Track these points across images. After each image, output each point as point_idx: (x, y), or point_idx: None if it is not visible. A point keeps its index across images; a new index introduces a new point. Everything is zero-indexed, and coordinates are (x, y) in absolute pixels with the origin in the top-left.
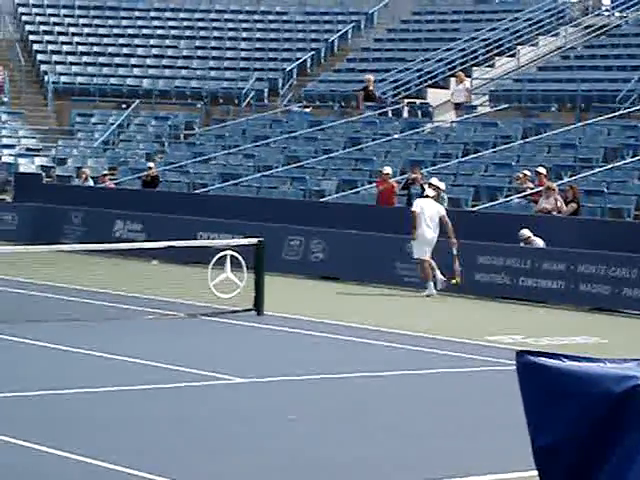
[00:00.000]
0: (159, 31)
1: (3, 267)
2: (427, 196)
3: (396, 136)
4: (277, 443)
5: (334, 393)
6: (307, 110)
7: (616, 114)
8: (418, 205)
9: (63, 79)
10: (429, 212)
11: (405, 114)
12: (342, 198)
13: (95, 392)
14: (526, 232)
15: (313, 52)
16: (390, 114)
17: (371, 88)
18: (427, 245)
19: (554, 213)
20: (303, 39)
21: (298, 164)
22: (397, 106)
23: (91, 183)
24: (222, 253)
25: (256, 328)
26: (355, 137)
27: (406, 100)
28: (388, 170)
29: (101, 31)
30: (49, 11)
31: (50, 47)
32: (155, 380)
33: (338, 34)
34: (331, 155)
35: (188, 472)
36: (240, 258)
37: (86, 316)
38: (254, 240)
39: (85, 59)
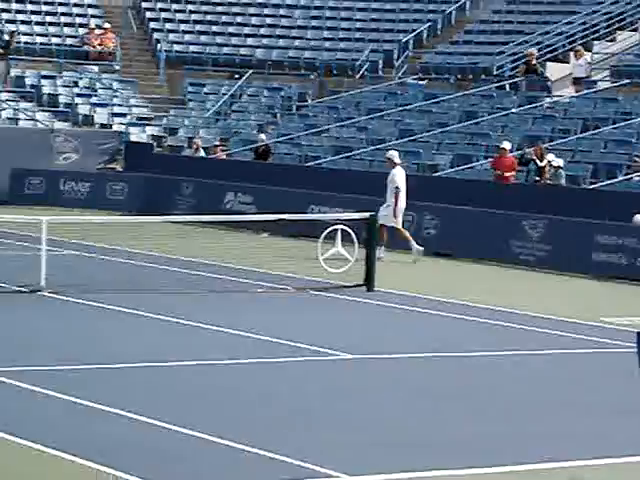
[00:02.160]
0: (273, 0)
1: (113, 237)
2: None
3: (514, 110)
4: (387, 420)
5: (446, 370)
6: (422, 82)
7: None
8: (400, 178)
9: (176, 48)
10: (404, 180)
11: (523, 88)
12: (456, 173)
13: (203, 364)
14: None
15: (430, 23)
16: (508, 88)
17: (533, 62)
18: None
19: None
20: (420, 10)
21: (412, 137)
22: (515, 80)
23: (203, 154)
24: (333, 227)
25: (366, 304)
26: (471, 111)
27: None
28: (507, 145)
29: None
30: None
31: (163, 15)
32: (264, 354)
33: (456, 5)
34: (446, 129)
35: (293, 447)
36: (351, 232)
37: (195, 288)
38: (366, 214)
39: (198, 28)
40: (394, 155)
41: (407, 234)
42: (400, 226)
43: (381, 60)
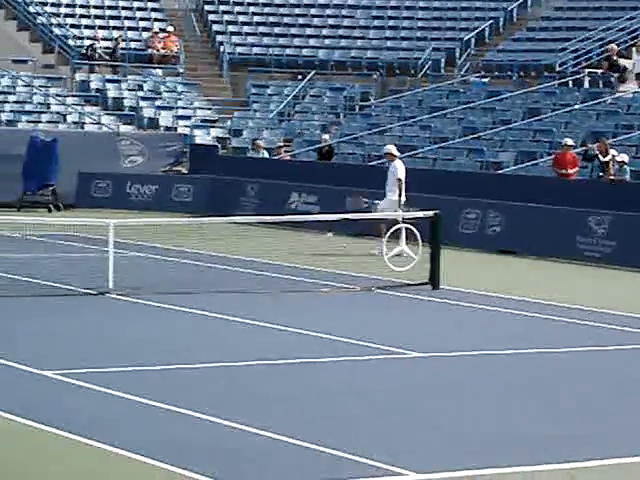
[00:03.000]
0: (335, 1)
1: (179, 238)
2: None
3: (576, 107)
4: (457, 417)
5: (511, 368)
6: (485, 80)
7: None
8: (401, 171)
9: (239, 50)
10: (404, 173)
11: (586, 84)
12: (520, 170)
13: (270, 365)
14: None
15: (492, 21)
16: (571, 84)
17: (615, 58)
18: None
19: None
20: (482, 8)
21: (475, 135)
22: (578, 76)
23: (265, 155)
24: (398, 226)
25: (431, 302)
26: (534, 107)
27: (587, 70)
28: (570, 142)
29: (277, 1)
30: None
31: (226, 17)
32: (330, 353)
33: (517, 2)
34: (509, 126)
35: (365, 446)
36: (416, 231)
37: (261, 288)
38: (430, 213)
39: (261, 29)
40: (392, 149)
41: (385, 231)
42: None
43: (443, 58)
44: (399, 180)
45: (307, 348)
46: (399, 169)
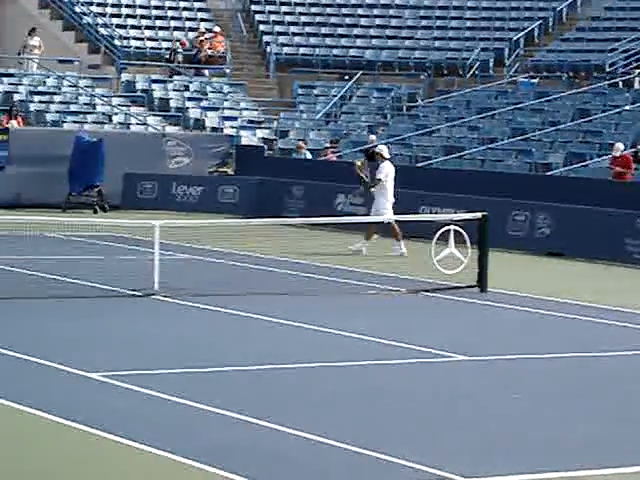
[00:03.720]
0: (383, 1)
1: (225, 240)
2: (389, 159)
3: (627, 108)
4: (501, 421)
5: (559, 371)
6: (534, 81)
7: None
8: (384, 171)
9: (285, 50)
10: (393, 175)
11: (636, 85)
12: (570, 171)
13: (315, 367)
14: None
15: (541, 21)
16: (621, 85)
17: None
18: (389, 208)
19: None
20: (531, 8)
21: (524, 136)
22: (628, 77)
23: (308, 156)
24: (445, 228)
25: (479, 304)
26: (584, 108)
27: (637, 70)
28: (620, 146)
29: (324, 1)
30: None
31: (272, 17)
32: (376, 356)
33: (567, 2)
34: (558, 127)
35: (409, 449)
36: (464, 233)
37: (307, 290)
38: (478, 215)
39: (307, 30)
40: (383, 149)
41: (374, 231)
42: (392, 219)
43: (492, 59)
44: (379, 180)
45: (351, 350)
46: (382, 170)
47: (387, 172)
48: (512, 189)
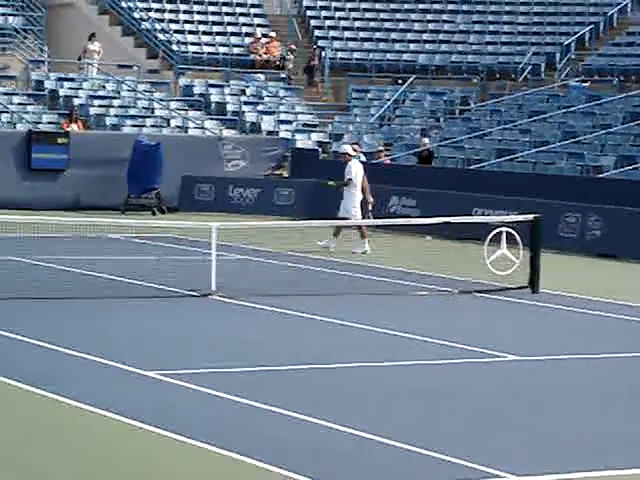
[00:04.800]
0: (436, 6)
1: (281, 241)
2: (358, 158)
3: None
4: (555, 420)
5: (611, 372)
6: (585, 84)
7: None
8: (353, 170)
9: (340, 55)
10: (361, 174)
11: None
12: (621, 174)
13: (367, 366)
14: None
15: (592, 26)
16: None
17: None
18: (357, 206)
19: None
20: (582, 13)
21: (575, 139)
22: None
23: (363, 158)
24: (498, 230)
25: (530, 305)
26: (635, 112)
27: None
28: None
29: (378, 6)
30: None
31: (327, 22)
32: (428, 356)
33: (617, 7)
34: (610, 130)
35: (462, 448)
36: (516, 235)
37: (360, 291)
38: (530, 216)
39: (362, 35)
40: (348, 149)
41: (339, 230)
42: (358, 216)
43: (543, 63)
44: (349, 180)
45: (404, 350)
46: (351, 169)
47: (356, 171)
48: (563, 191)
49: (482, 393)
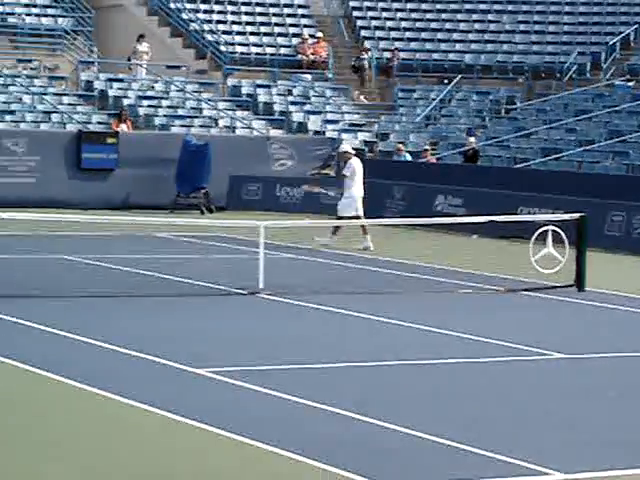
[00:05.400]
0: (482, 6)
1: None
2: (357, 155)
3: None
4: (602, 418)
5: None
6: (630, 84)
7: None
8: (351, 168)
9: (386, 55)
10: (361, 170)
11: None
12: None
13: (417, 365)
14: None
15: (637, 25)
16: None
17: None
18: (359, 203)
19: None
20: (627, 12)
21: (621, 138)
22: None
23: (408, 157)
24: (543, 228)
25: (577, 304)
26: None
27: None
28: None
29: (424, 7)
30: None
31: (373, 23)
32: (473, 354)
33: None
34: None
35: (510, 446)
36: (562, 233)
37: (405, 289)
38: (576, 215)
39: (408, 35)
40: (347, 148)
41: (338, 227)
42: (359, 213)
43: (589, 62)
44: (344, 176)
45: (450, 348)
46: (349, 167)
47: (353, 169)
48: (609, 190)
49: (529, 391)
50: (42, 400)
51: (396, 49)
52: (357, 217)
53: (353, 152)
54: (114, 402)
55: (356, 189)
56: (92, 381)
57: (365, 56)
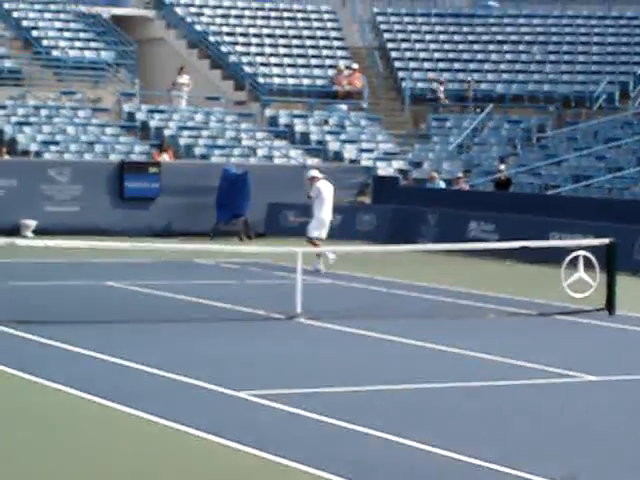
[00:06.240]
0: (513, 37)
1: (363, 266)
2: (325, 178)
3: None
4: (631, 441)
5: None
6: None
7: None
8: (316, 190)
9: (419, 85)
10: (330, 194)
11: None
12: None
13: (450, 387)
14: None
15: None
16: None
17: None
18: (326, 226)
19: None
20: None
21: None
22: None
23: (442, 185)
24: (575, 253)
25: (607, 327)
26: None
27: None
28: None
29: (456, 38)
30: (406, 19)
31: (407, 54)
32: (506, 376)
33: None
34: None
35: (543, 466)
36: (592, 258)
37: (441, 313)
38: (606, 240)
39: (441, 66)
40: (313, 173)
41: (318, 250)
42: (321, 236)
43: (617, 91)
44: (309, 197)
45: (484, 371)
46: (315, 189)
47: (319, 191)
48: (638, 215)
49: (560, 412)
50: (84, 420)
51: (436, 80)
52: (317, 239)
53: (321, 176)
54: (158, 425)
55: (325, 212)
56: (136, 404)
57: (441, 87)
